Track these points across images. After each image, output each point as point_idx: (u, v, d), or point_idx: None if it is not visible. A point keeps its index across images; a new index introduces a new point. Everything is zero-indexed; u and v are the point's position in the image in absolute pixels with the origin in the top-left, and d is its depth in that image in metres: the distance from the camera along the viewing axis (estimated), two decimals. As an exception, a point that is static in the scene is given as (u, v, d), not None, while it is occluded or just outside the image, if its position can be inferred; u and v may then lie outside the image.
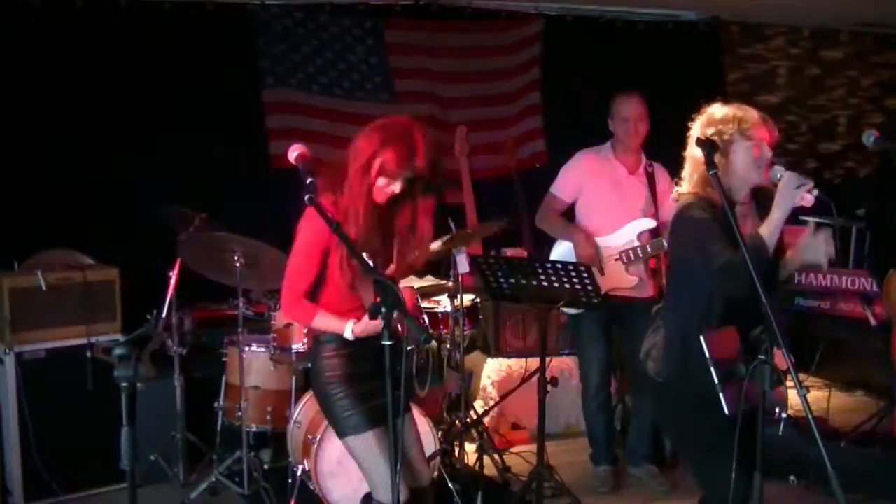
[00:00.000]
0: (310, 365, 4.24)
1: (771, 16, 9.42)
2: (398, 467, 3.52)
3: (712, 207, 3.86)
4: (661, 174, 5.96)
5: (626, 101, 5.89)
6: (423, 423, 5.38)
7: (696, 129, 3.98)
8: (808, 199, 3.68)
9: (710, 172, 3.70)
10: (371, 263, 3.68)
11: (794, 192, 3.69)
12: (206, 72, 7.15)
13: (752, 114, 3.94)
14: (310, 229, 3.89)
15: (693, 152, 3.95)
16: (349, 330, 3.91)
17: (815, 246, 3.80)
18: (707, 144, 3.76)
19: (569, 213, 6.09)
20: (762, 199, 3.98)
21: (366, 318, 3.79)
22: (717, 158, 3.78)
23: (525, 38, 8.50)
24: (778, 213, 3.73)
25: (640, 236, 5.83)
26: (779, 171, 3.78)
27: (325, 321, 3.95)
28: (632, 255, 5.79)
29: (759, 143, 3.86)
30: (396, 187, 3.87)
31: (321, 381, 4.01)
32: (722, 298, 3.85)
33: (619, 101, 5.93)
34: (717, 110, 3.97)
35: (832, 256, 3.77)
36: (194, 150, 7.00)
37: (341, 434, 4.01)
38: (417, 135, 3.83)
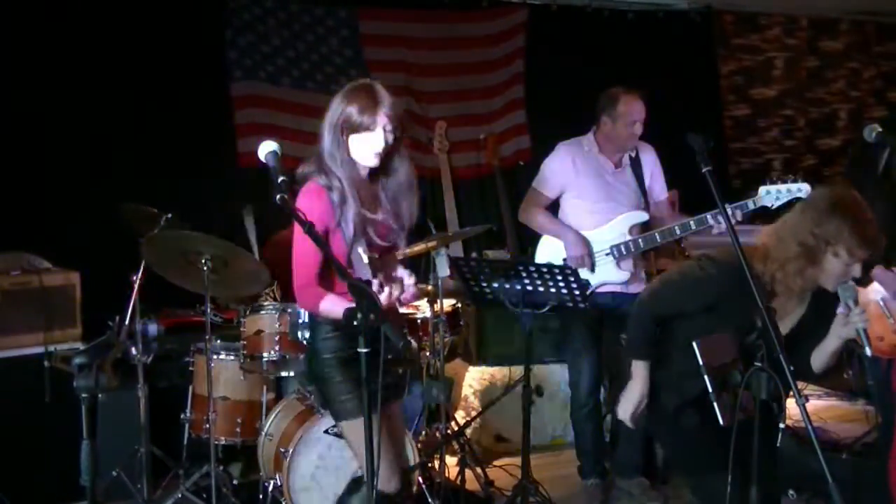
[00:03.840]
0: (308, 346, 4.37)
1: (767, 4, 9.48)
2: (375, 468, 3.52)
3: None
4: (647, 155, 6.00)
5: (635, 103, 5.82)
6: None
7: (801, 216, 3.94)
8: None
9: (705, 170, 3.72)
10: (365, 257, 3.86)
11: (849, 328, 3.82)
12: (170, 63, 7.13)
13: (850, 234, 3.82)
14: (307, 211, 3.98)
15: (778, 235, 3.95)
16: None
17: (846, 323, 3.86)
18: (698, 140, 3.78)
19: (552, 206, 6.11)
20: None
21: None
22: (796, 255, 3.84)
23: (508, 28, 8.52)
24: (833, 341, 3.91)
25: (631, 230, 5.84)
26: (847, 292, 3.82)
27: (331, 306, 4.03)
28: (623, 249, 5.81)
29: (850, 264, 3.82)
30: (379, 141, 4.00)
31: (319, 362, 4.13)
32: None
33: (626, 100, 5.83)
34: (829, 207, 3.86)
35: (866, 328, 3.81)
36: (158, 146, 6.98)
37: (337, 418, 4.18)
38: (377, 87, 4.04)
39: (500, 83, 8.55)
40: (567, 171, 5.97)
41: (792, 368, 3.30)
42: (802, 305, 4.01)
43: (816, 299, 3.99)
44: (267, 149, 3.79)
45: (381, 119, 3.98)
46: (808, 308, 4.00)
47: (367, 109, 3.97)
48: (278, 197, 3.61)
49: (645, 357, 4.07)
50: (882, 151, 4.98)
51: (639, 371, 4.07)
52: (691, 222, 5.62)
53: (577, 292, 5.06)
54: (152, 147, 6.96)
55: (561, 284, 5.05)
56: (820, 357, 3.97)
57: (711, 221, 5.50)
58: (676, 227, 5.71)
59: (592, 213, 5.89)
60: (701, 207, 5.50)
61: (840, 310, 3.83)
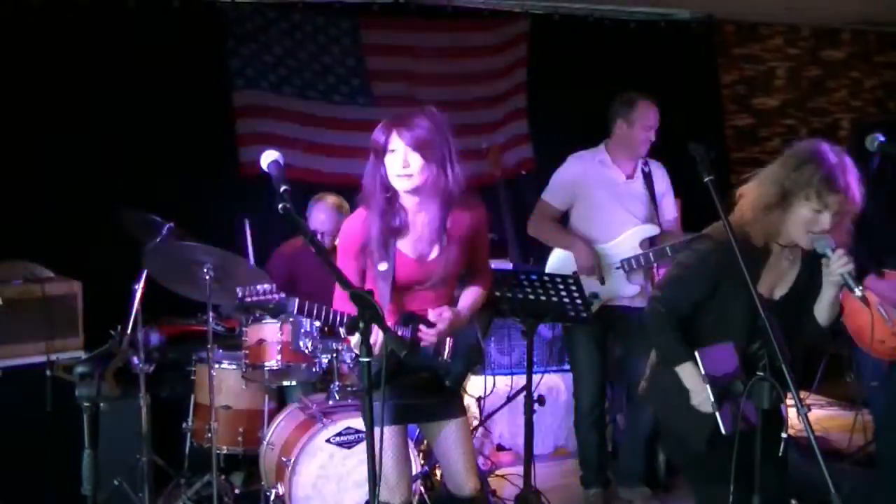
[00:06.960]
0: None
1: (768, 14, 9.46)
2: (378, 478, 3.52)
3: (740, 245, 3.85)
4: (658, 173, 6.00)
5: (651, 108, 5.87)
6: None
7: (775, 166, 3.89)
8: None
9: (706, 179, 3.70)
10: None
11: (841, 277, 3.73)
12: (171, 72, 7.14)
13: (822, 177, 3.75)
14: (343, 230, 4.10)
15: (759, 183, 3.89)
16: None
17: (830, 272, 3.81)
18: (700, 150, 3.76)
19: (562, 220, 6.09)
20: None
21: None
22: (776, 201, 3.77)
23: (510, 38, 8.52)
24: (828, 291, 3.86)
25: (642, 244, 5.84)
26: (820, 241, 3.75)
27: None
28: (633, 263, 5.80)
29: (820, 209, 3.74)
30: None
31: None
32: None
33: (643, 105, 5.88)
34: (808, 154, 3.81)
35: (850, 271, 3.75)
36: (160, 155, 6.98)
37: None
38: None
39: (503, 93, 8.53)
40: (576, 182, 5.96)
41: (793, 375, 3.30)
42: (795, 266, 3.98)
43: (809, 258, 3.94)
44: (269, 158, 3.79)
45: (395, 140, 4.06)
46: (803, 266, 3.95)
47: (383, 129, 4.07)
48: (280, 206, 3.60)
49: (685, 358, 3.86)
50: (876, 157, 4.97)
51: (687, 373, 3.87)
52: None
53: (579, 303, 5.04)
54: (154, 156, 6.96)
55: (563, 295, 5.03)
56: (821, 310, 3.92)
57: None
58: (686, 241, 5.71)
59: (603, 223, 5.88)
60: (702, 217, 5.48)
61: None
